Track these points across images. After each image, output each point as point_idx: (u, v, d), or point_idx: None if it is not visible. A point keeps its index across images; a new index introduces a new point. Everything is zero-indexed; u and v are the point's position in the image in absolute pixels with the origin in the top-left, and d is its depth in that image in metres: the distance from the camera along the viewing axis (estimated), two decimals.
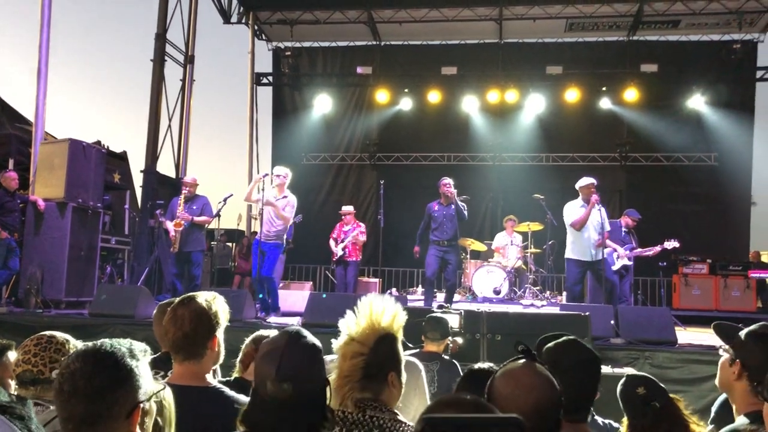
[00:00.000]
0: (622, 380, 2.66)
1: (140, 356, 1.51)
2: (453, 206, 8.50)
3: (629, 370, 5.94)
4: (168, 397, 1.84)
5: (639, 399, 2.50)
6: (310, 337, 1.86)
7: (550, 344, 2.21)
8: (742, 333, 2.36)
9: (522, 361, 1.62)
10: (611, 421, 2.73)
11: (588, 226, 8.04)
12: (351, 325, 1.99)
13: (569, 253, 8.25)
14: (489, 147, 13.39)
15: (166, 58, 11.24)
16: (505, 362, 1.67)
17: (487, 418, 0.93)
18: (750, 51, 12.68)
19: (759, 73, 12.53)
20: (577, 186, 8.25)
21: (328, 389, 1.83)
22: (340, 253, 9.89)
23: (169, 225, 8.60)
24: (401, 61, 14.03)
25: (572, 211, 8.20)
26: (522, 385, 1.56)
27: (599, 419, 2.70)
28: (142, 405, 1.47)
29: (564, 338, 2.22)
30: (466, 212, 8.54)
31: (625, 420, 2.60)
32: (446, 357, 4.33)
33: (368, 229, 13.36)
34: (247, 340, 3.19)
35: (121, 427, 1.43)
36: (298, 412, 1.76)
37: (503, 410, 1.52)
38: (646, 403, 2.48)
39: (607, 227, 8.28)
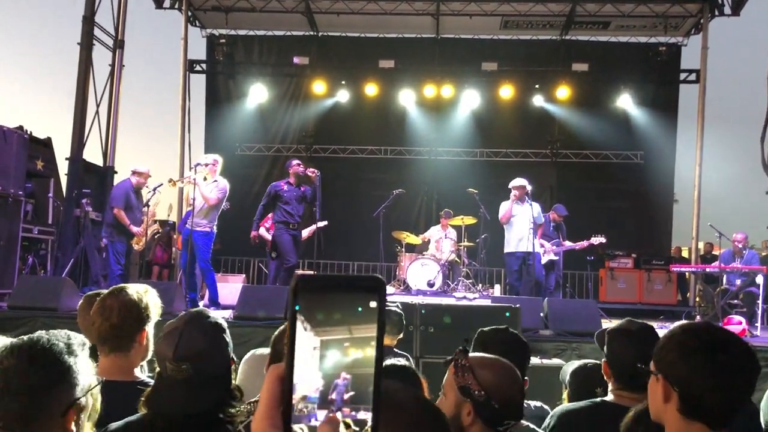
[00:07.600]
0: (577, 367, 2.67)
1: (78, 351, 1.44)
2: (303, 188, 8.46)
3: (557, 361, 6.12)
4: (95, 391, 1.79)
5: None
6: (213, 318, 1.88)
7: (482, 329, 2.41)
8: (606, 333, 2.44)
9: (491, 356, 1.92)
10: (542, 404, 2.81)
11: (518, 219, 8.34)
12: None
13: (505, 248, 8.59)
14: (425, 141, 13.50)
15: (94, 42, 10.81)
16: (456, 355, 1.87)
17: (351, 276, 1.02)
18: (674, 54, 13.16)
19: (682, 76, 13.02)
20: (510, 185, 8.59)
21: (233, 368, 1.89)
22: None
23: (136, 229, 8.31)
24: (339, 52, 13.93)
25: (501, 207, 8.67)
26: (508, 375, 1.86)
27: (531, 403, 2.76)
28: (78, 402, 1.41)
29: (495, 326, 2.43)
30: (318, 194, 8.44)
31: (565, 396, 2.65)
32: (398, 351, 4.30)
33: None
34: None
35: (56, 426, 1.37)
36: (202, 391, 1.78)
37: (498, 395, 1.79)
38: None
39: (541, 220, 8.71)
